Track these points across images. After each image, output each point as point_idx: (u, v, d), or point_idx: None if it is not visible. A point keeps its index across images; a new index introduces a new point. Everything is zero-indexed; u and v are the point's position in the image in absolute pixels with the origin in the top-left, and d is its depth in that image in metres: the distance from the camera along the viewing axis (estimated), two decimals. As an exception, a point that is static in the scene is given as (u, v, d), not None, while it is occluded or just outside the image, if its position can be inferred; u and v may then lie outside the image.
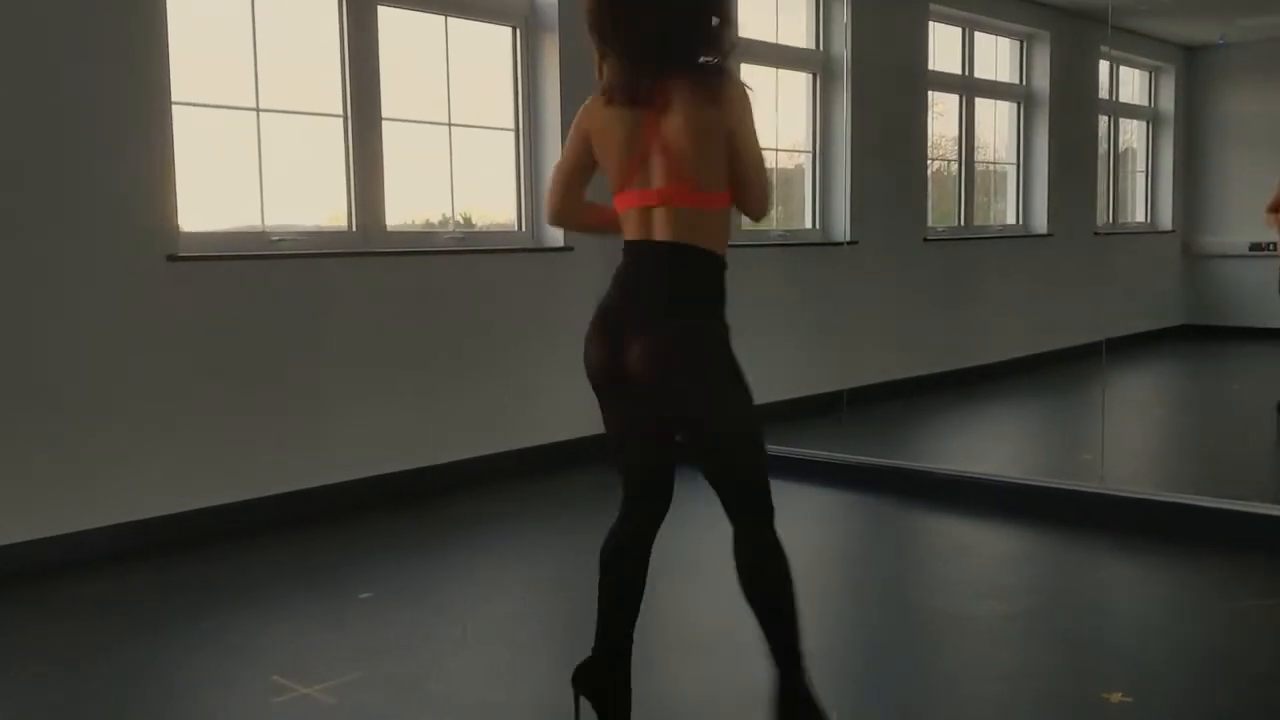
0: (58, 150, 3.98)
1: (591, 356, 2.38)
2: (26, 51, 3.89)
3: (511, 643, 3.31)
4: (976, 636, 3.34)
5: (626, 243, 2.39)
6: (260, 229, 4.65)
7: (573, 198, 2.53)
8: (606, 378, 2.38)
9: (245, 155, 4.60)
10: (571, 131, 2.48)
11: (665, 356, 2.28)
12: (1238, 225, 7.07)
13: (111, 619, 3.54)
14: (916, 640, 3.33)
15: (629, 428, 2.45)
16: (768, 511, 2.36)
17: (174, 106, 4.24)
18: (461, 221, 5.53)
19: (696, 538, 4.25)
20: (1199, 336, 7.46)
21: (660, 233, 2.32)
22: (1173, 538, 4.20)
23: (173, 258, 4.24)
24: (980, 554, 4.23)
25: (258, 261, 4.52)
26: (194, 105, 4.39)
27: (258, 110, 4.59)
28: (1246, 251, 6.94)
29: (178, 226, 4.30)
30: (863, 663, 3.15)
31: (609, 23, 2.34)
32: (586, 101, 2.45)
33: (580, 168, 2.48)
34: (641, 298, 2.33)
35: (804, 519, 4.65)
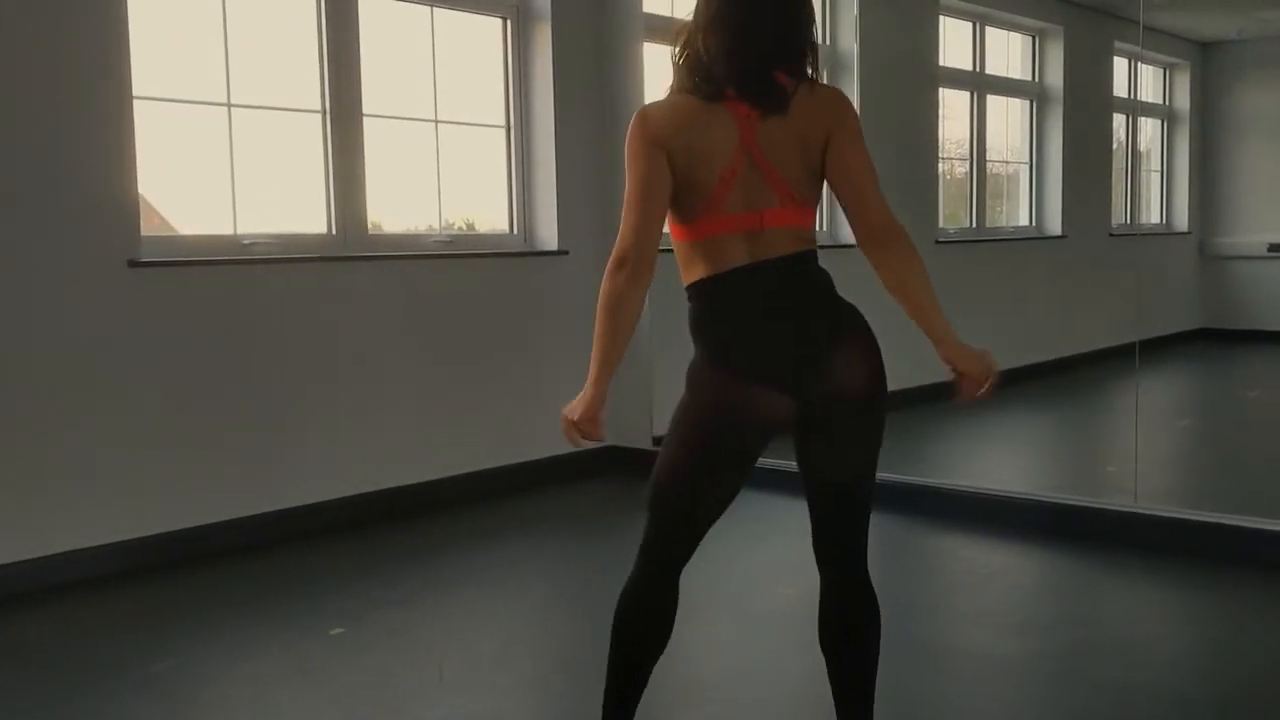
0: (5, 147, 3.69)
1: (756, 409, 2.04)
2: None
3: (492, 689, 3.00)
4: (1009, 681, 3.03)
5: (729, 273, 2.05)
6: (231, 233, 4.36)
7: (658, 232, 2.06)
8: (770, 427, 2.07)
9: (215, 154, 4.31)
10: (637, 151, 2.04)
11: (879, 373, 2.13)
12: (1256, 225, 7.01)
13: (49, 660, 3.21)
14: (941, 685, 3.01)
15: (739, 460, 2.12)
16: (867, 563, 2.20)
17: (135, 101, 3.96)
18: (465, 227, 5.25)
19: (700, 564, 4.00)
20: (1217, 340, 7.36)
21: (778, 249, 2.06)
22: (1213, 561, 3.91)
23: (134, 263, 3.95)
24: (1007, 581, 3.93)
25: (228, 267, 4.23)
26: (158, 100, 4.11)
27: (229, 106, 4.31)
28: (1265, 253, 6.89)
29: (139, 230, 4.00)
30: (877, 714, 2.84)
31: (740, 16, 2.04)
32: (644, 110, 2.09)
33: (665, 193, 2.04)
34: (814, 318, 2.08)
35: (810, 541, 4.35)
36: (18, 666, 3.19)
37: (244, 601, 3.71)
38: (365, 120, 4.66)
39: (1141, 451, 4.43)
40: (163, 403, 4.05)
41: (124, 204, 3.94)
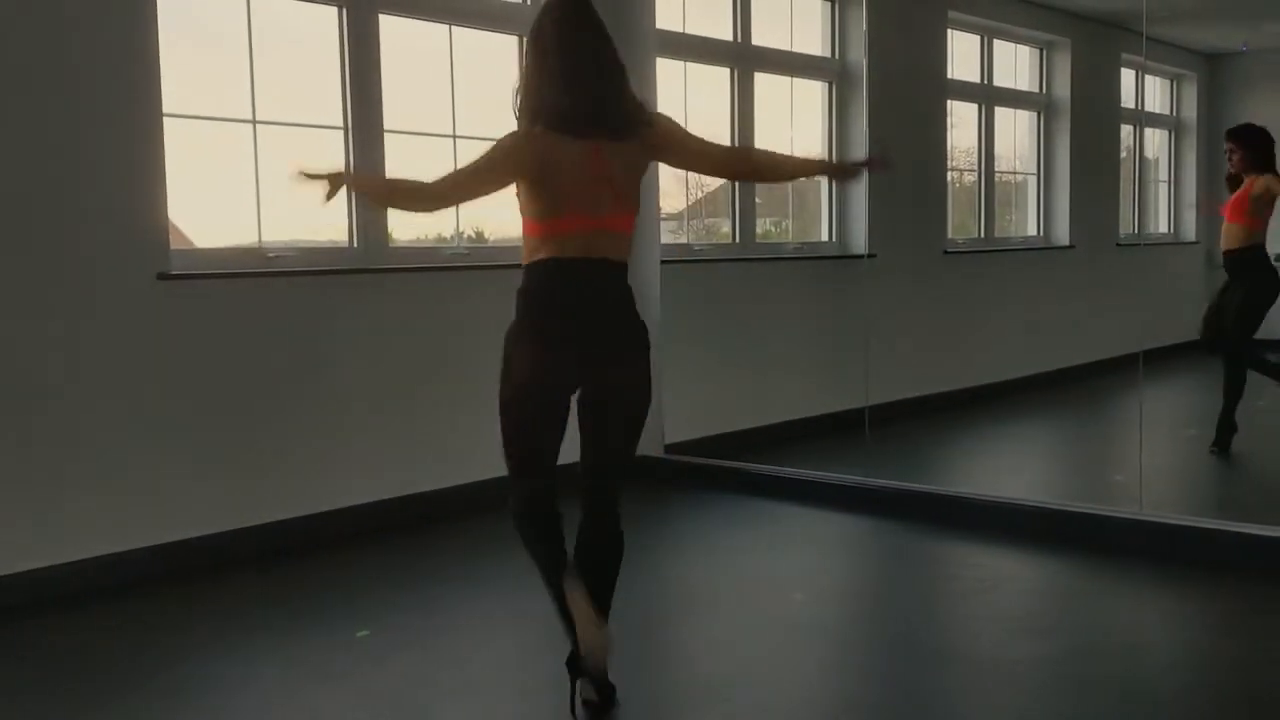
0: (39, 163, 3.80)
1: (553, 362, 2.80)
2: (4, 59, 3.72)
3: (517, 690, 3.09)
4: (1013, 685, 3.11)
5: (571, 261, 2.67)
6: (256, 245, 4.47)
7: (463, 200, 3.01)
8: (568, 379, 2.79)
9: (241, 169, 4.42)
10: (506, 146, 2.74)
11: (646, 377, 2.80)
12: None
13: (73, 668, 3.27)
14: (945, 689, 3.09)
15: (558, 420, 2.93)
16: None
17: (165, 118, 4.07)
18: (474, 236, 5.34)
19: (713, 570, 4.09)
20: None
21: (613, 251, 2.73)
22: (1217, 567, 3.98)
23: (163, 276, 4.06)
24: (1014, 587, 4.01)
25: (253, 279, 4.33)
26: (186, 117, 4.22)
27: (254, 122, 4.42)
28: (1272, 263, 6.82)
29: (168, 243, 4.11)
30: (885, 717, 2.93)
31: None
32: (533, 130, 2.70)
33: (492, 185, 2.79)
34: (618, 311, 2.74)
35: (823, 546, 4.45)
36: (47, 672, 3.26)
37: (271, 605, 3.79)
38: (386, 136, 4.76)
39: (1147, 460, 4.51)
40: (190, 411, 4.15)
41: (154, 217, 4.05)
